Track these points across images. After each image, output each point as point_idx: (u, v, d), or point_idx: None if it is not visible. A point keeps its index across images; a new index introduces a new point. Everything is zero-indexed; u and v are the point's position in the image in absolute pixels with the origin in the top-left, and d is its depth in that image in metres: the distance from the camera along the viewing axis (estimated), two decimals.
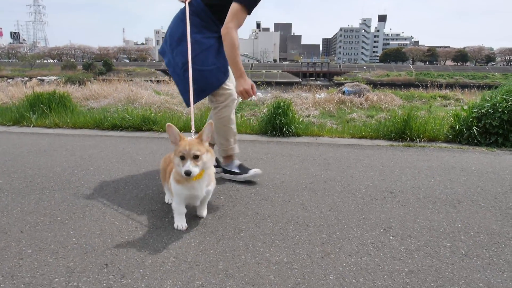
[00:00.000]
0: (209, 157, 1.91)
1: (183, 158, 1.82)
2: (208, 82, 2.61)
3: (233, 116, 2.76)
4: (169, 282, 1.54)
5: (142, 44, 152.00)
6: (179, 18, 2.66)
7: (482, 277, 1.61)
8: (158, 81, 19.69)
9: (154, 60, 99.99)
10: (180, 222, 2.02)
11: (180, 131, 4.68)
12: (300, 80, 60.09)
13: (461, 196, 2.58)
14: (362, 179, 2.93)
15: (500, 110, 4.16)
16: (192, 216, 2.19)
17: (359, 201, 2.46)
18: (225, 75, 2.67)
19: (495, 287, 1.53)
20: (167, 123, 1.92)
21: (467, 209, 2.35)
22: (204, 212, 2.18)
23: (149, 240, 1.89)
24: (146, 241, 1.88)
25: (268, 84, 16.03)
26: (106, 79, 17.26)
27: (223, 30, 2.43)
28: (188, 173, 1.78)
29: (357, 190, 2.68)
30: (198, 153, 1.81)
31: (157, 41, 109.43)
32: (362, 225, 2.10)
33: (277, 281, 1.55)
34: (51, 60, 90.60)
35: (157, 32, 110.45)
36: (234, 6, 2.41)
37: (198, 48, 2.55)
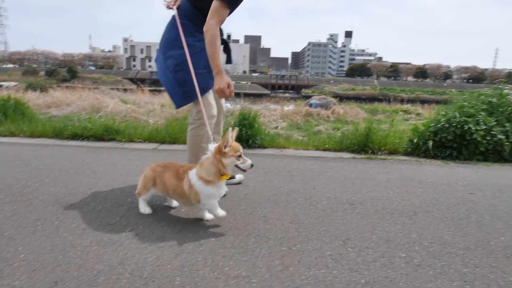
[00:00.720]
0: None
1: (240, 156, 2.10)
2: (199, 86, 2.56)
3: (207, 135, 2.71)
4: None
5: (110, 51, 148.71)
6: (172, 24, 2.66)
7: (433, 286, 1.66)
8: (125, 90, 19.32)
9: (122, 68, 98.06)
10: (220, 210, 2.24)
11: (144, 141, 4.57)
12: (269, 92, 60.82)
13: (417, 207, 2.68)
14: (324, 191, 2.97)
15: (454, 125, 4.38)
16: (151, 230, 2.14)
17: (320, 213, 2.49)
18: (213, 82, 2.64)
19: None
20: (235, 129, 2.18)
21: (422, 220, 2.44)
22: (206, 215, 2.33)
23: (103, 256, 1.82)
24: (101, 257, 1.81)
25: (237, 95, 16.11)
26: (70, 87, 16.71)
27: (204, 28, 2.41)
28: (252, 165, 2.12)
29: (318, 202, 2.71)
30: (242, 154, 2.14)
31: (125, 49, 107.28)
32: (322, 237, 2.13)
33: None
34: (11, 65, 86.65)
35: (125, 40, 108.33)
36: (216, 4, 2.40)
37: (191, 51, 2.54)
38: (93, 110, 9.12)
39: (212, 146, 2.13)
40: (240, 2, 2.52)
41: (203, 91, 2.60)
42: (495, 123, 4.51)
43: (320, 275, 1.72)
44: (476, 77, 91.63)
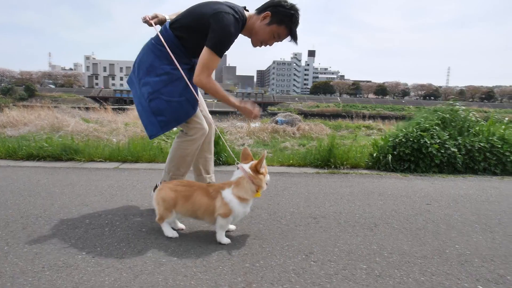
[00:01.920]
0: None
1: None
2: (176, 114, 2.51)
3: (195, 151, 2.65)
4: None
5: (71, 69, 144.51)
6: (149, 48, 2.54)
7: None
8: (87, 109, 18.75)
9: (84, 86, 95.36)
10: (226, 239, 2.24)
11: (105, 160, 4.44)
12: (236, 109, 60.93)
13: (378, 219, 2.75)
14: (288, 206, 2.99)
15: (411, 139, 4.58)
16: (110, 251, 2.05)
17: (284, 228, 2.50)
18: (194, 109, 2.56)
19: None
20: (245, 147, 2.35)
21: (383, 232, 2.50)
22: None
23: (57, 281, 1.73)
24: (54, 282, 1.71)
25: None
26: (28, 105, 16.01)
27: (195, 81, 2.39)
28: (266, 183, 2.32)
29: (282, 217, 2.72)
30: (264, 171, 2.31)
31: (87, 67, 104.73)
32: (285, 252, 2.13)
33: None
34: None
35: (87, 57, 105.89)
36: (205, 55, 2.33)
37: (167, 79, 2.46)
38: (52, 129, 8.77)
39: (247, 166, 2.24)
40: (229, 47, 2.46)
41: (180, 119, 2.54)
42: (448, 137, 4.75)
43: None
44: (432, 94, 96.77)
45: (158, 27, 2.63)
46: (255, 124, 14.83)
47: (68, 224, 2.47)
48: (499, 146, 4.71)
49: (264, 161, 2.26)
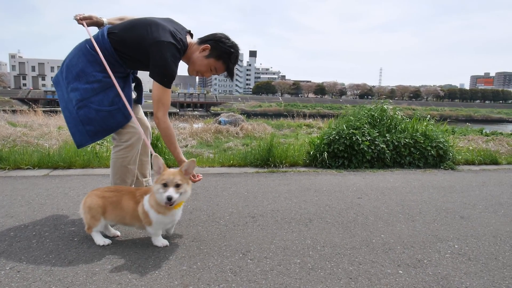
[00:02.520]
0: (188, 189, 2.10)
1: (165, 185, 1.99)
2: (106, 124, 2.40)
3: (135, 157, 2.57)
4: None
5: None
6: (81, 51, 2.40)
7: (323, 287, 1.81)
8: (14, 111, 17.32)
9: (9, 87, 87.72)
10: (162, 241, 2.20)
11: (34, 167, 4.17)
12: (178, 110, 59.89)
13: (313, 215, 2.88)
14: (227, 206, 3.03)
15: (343, 136, 4.85)
16: (37, 264, 1.94)
17: (222, 229, 2.53)
18: (127, 118, 2.46)
19: None
20: (155, 154, 2.06)
21: (317, 226, 2.63)
22: (172, 230, 2.36)
23: None
24: None
25: (145, 114, 15.55)
26: None
27: (155, 120, 2.33)
28: (169, 198, 1.96)
29: (221, 218, 2.75)
30: (179, 182, 2.02)
31: (13, 66, 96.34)
32: (223, 252, 2.16)
33: None
34: None
35: (12, 56, 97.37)
36: (156, 90, 2.30)
37: (98, 87, 2.35)
38: None
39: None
40: (174, 78, 2.43)
41: (111, 129, 2.46)
42: (377, 134, 5.10)
43: None
44: (366, 93, 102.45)
45: (92, 29, 2.53)
46: (198, 125, 14.70)
47: None
48: (422, 141, 5.15)
49: (167, 170, 2.07)
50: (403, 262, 2.10)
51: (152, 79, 2.31)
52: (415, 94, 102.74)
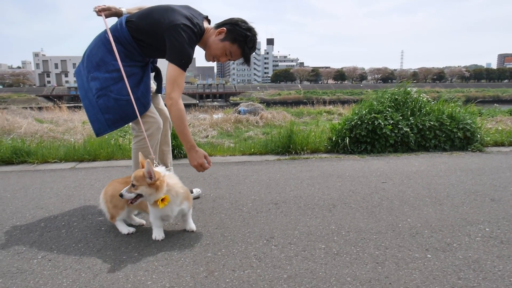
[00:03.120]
0: (147, 190, 2.02)
1: (133, 186, 2.04)
2: (124, 113, 2.42)
3: (156, 147, 2.59)
4: None
5: (19, 67, 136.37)
6: (101, 40, 2.42)
7: (349, 271, 1.78)
8: (40, 108, 17.82)
9: (35, 85, 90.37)
10: (157, 233, 2.17)
11: (61, 161, 4.27)
12: (197, 101, 60.30)
13: (336, 200, 2.85)
14: (250, 193, 3.03)
15: (365, 121, 4.75)
16: (67, 253, 2.00)
17: (245, 216, 2.53)
18: (145, 108, 2.49)
19: (360, 279, 1.71)
20: (147, 160, 1.99)
21: (340, 212, 2.60)
22: (190, 226, 2.29)
23: (11, 287, 1.66)
24: None
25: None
26: None
27: (168, 101, 2.28)
28: (120, 195, 2.03)
29: (244, 205, 2.76)
30: (135, 183, 2.02)
31: (37, 64, 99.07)
32: (247, 238, 2.17)
33: None
34: None
35: (36, 54, 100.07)
36: (173, 72, 2.27)
37: (118, 76, 2.36)
38: (3, 132, 8.28)
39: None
40: (191, 61, 2.40)
41: (129, 118, 2.47)
42: (401, 117, 4.97)
43: (245, 275, 1.75)
44: (387, 77, 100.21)
45: (112, 20, 2.53)
46: (218, 115, 14.76)
47: (21, 229, 2.37)
48: (448, 123, 4.98)
49: (135, 174, 2.05)
50: (431, 246, 2.05)
51: (169, 62, 2.30)
52: (439, 76, 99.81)
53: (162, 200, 2.02)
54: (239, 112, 16.39)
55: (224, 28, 2.41)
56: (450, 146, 4.90)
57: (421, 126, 4.94)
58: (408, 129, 4.82)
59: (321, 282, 1.68)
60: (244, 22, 2.44)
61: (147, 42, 2.39)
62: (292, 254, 1.96)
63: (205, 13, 2.56)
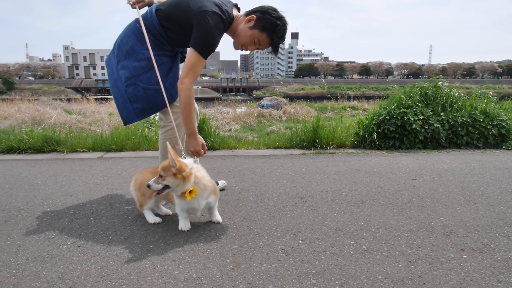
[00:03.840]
0: (174, 182, 2.01)
1: (160, 177, 2.03)
2: (152, 102, 2.43)
3: (183, 137, 2.57)
4: None
5: (49, 60, 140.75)
6: (132, 29, 2.43)
7: (381, 269, 1.72)
8: (69, 100, 18.32)
9: (64, 77, 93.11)
10: (184, 224, 2.17)
11: (89, 150, 4.36)
12: (221, 95, 60.60)
13: (364, 196, 2.77)
14: (275, 187, 2.99)
15: (394, 116, 4.61)
16: (96, 240, 2.02)
17: (271, 209, 2.50)
18: (173, 98, 2.49)
19: (392, 277, 1.65)
20: (169, 148, 2.00)
21: (369, 208, 2.52)
22: (217, 218, 2.28)
23: (41, 272, 1.69)
24: (38, 273, 1.68)
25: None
26: (7, 99, 15.56)
27: (179, 85, 2.27)
28: (147, 186, 2.04)
29: (269, 198, 2.72)
30: (162, 174, 2.01)
31: (66, 57, 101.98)
32: (273, 232, 2.13)
33: None
34: None
35: (66, 47, 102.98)
36: (192, 57, 2.25)
37: (147, 65, 2.37)
38: (34, 122, 8.56)
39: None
40: (214, 49, 2.36)
41: (157, 108, 2.48)
42: (431, 113, 4.80)
43: (272, 269, 1.71)
44: (415, 72, 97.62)
45: (144, 11, 2.53)
46: (241, 109, 14.77)
47: (52, 215, 2.42)
48: (481, 120, 4.78)
49: (163, 164, 2.05)
50: (467, 246, 1.95)
51: (190, 47, 2.27)
52: (469, 72, 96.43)
53: (190, 192, 2.01)
54: (262, 107, 16.35)
55: (254, 16, 2.36)
56: (483, 144, 4.70)
57: (452, 122, 4.75)
58: (439, 125, 4.65)
59: (351, 279, 1.63)
60: (275, 10, 2.38)
61: (176, 30, 2.37)
62: (320, 250, 1.91)
63: (234, 1, 2.52)
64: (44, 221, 2.32)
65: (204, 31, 2.22)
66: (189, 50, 2.29)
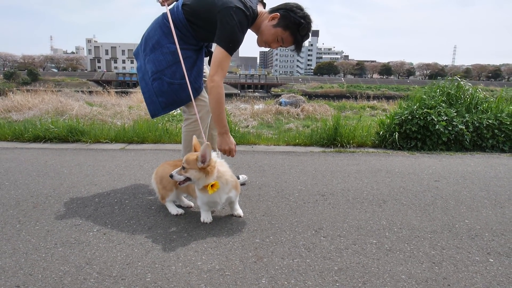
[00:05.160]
0: (196, 175, 2.02)
1: (183, 168, 2.05)
2: (177, 96, 2.45)
3: (206, 130, 2.60)
4: None
5: (73, 53, 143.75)
6: (158, 23, 2.46)
7: (404, 269, 1.70)
8: (91, 92, 18.70)
9: (86, 70, 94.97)
10: (206, 216, 2.19)
11: (111, 141, 4.44)
12: (239, 91, 60.73)
13: (386, 196, 2.74)
14: (296, 183, 2.99)
15: (417, 116, 4.53)
16: (120, 229, 2.07)
17: (292, 205, 2.50)
18: (197, 92, 2.50)
19: (415, 278, 1.63)
20: (207, 143, 1.99)
21: (391, 208, 2.50)
22: (238, 212, 2.29)
23: (70, 257, 1.74)
24: (67, 258, 1.73)
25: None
26: (31, 90, 15.98)
27: (209, 84, 2.25)
28: (170, 176, 2.06)
29: (290, 194, 2.72)
30: (185, 165, 2.03)
31: (89, 50, 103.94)
32: (294, 227, 2.13)
33: None
34: None
35: (88, 40, 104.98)
36: (219, 54, 2.24)
37: (172, 59, 2.39)
38: (57, 113, 8.79)
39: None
40: (239, 46, 2.35)
41: (182, 102, 2.49)
42: (455, 114, 4.70)
43: (294, 264, 1.72)
44: (437, 73, 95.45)
45: (171, 6, 2.55)
46: (259, 106, 14.78)
47: (78, 202, 2.48)
48: (508, 123, 4.66)
49: (187, 156, 2.06)
50: (493, 250, 1.91)
51: (216, 44, 2.27)
52: (495, 74, 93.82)
53: (212, 186, 2.03)
54: (280, 104, 16.32)
55: (278, 14, 2.35)
56: (510, 147, 4.58)
57: (477, 124, 4.65)
58: (463, 127, 4.55)
59: (374, 277, 1.62)
60: (300, 8, 2.36)
61: (201, 25, 2.38)
62: (342, 247, 1.90)
63: None
64: (71, 208, 2.38)
65: (228, 28, 2.22)
66: (215, 47, 2.29)
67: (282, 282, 1.57)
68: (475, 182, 3.14)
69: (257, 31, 2.46)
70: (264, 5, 2.54)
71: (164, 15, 2.44)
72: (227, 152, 2.39)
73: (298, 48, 2.48)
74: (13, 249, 1.81)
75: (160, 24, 2.46)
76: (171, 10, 2.44)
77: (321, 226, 2.16)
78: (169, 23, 2.38)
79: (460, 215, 2.40)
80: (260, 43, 2.51)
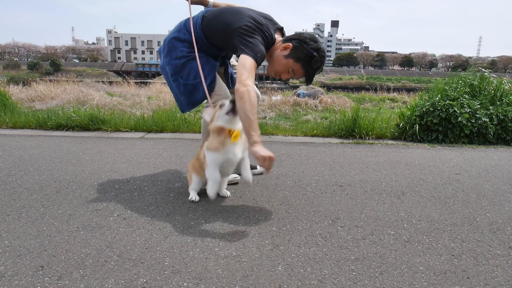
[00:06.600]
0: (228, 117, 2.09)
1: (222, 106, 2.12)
2: (193, 96, 2.46)
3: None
4: (111, 281, 1.46)
5: (93, 44, 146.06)
6: (179, 27, 2.45)
7: (422, 260, 1.68)
8: (111, 83, 19.00)
9: (107, 60, 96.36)
10: (212, 188, 2.13)
11: (131, 130, 4.51)
12: (257, 82, 60.52)
13: (405, 188, 2.70)
14: (313, 174, 2.98)
15: (439, 108, 4.43)
16: (140, 214, 2.11)
17: (309, 195, 2.49)
18: (210, 86, 2.45)
19: (434, 269, 1.61)
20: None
21: (410, 200, 2.46)
22: (248, 174, 2.21)
23: (91, 240, 1.79)
24: (88, 241, 1.78)
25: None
26: (54, 80, 16.37)
27: (241, 88, 2.05)
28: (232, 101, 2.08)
29: (308, 184, 2.72)
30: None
31: (109, 41, 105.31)
32: (311, 217, 2.13)
33: (225, 274, 1.53)
34: None
35: (109, 31, 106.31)
36: (247, 60, 2.11)
37: (185, 62, 2.39)
38: (78, 103, 8.96)
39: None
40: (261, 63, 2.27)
41: (198, 100, 2.48)
42: (479, 106, 4.57)
43: (311, 252, 1.72)
44: (461, 65, 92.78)
45: (197, 8, 2.54)
46: (277, 97, 14.72)
47: (98, 188, 2.54)
48: None
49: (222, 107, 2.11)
50: None
51: (244, 55, 2.14)
52: None
53: (234, 136, 2.06)
54: (298, 95, 16.20)
55: (290, 44, 2.26)
56: None
57: (502, 117, 4.51)
58: (487, 119, 4.42)
59: (391, 268, 1.61)
60: (314, 40, 2.28)
61: (215, 40, 2.36)
62: (359, 237, 1.89)
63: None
64: (92, 193, 2.44)
65: (253, 41, 2.16)
66: (243, 57, 2.16)
67: (298, 270, 1.57)
68: (498, 176, 3.06)
69: (269, 59, 2.39)
70: (282, 34, 2.47)
71: (187, 20, 2.44)
72: (267, 161, 1.98)
73: (309, 80, 2.41)
74: (38, 231, 1.88)
75: (180, 27, 2.46)
76: (194, 18, 2.40)
77: (338, 216, 2.15)
78: (187, 28, 2.38)
79: (482, 208, 2.34)
80: (271, 72, 2.43)
